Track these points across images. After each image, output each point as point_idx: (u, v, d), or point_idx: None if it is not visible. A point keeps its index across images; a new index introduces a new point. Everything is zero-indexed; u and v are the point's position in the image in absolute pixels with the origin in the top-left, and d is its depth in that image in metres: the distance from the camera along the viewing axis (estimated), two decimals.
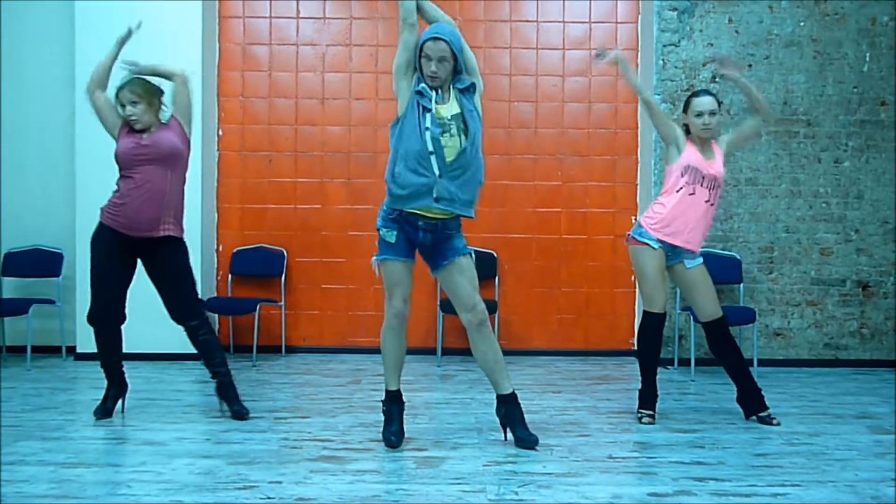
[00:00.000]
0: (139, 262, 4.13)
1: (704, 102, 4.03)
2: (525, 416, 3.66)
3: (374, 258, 3.63)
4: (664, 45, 5.80)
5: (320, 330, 6.22)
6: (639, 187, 6.16)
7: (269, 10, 6.19)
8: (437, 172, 3.43)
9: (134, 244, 4.02)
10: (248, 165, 6.18)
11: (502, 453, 3.54)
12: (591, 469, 3.35)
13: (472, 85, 3.55)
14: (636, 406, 4.23)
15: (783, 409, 4.41)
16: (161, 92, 4.08)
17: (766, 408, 4.14)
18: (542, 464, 3.41)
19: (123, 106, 3.98)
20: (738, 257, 5.78)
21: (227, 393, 4.15)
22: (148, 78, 4.07)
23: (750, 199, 5.86)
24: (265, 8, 6.18)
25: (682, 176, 4.03)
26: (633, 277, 6.02)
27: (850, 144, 5.85)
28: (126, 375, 4.22)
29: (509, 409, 3.65)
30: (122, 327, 4.15)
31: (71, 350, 5.81)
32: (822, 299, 5.88)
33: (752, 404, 4.16)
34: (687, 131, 4.12)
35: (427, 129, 3.43)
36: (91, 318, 4.07)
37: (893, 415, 4.38)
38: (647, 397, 4.18)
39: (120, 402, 4.20)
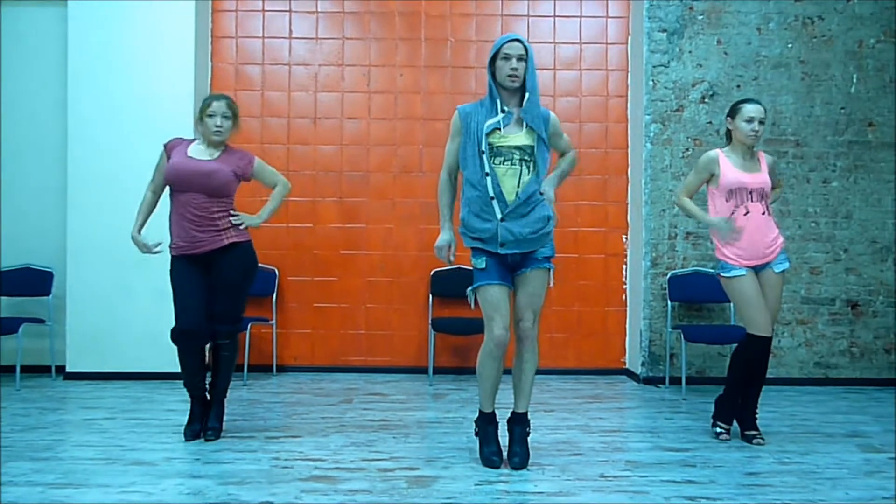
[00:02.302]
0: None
1: (755, 109, 4.08)
2: (527, 437, 3.70)
3: (468, 290, 3.62)
4: (654, 66, 5.86)
5: (312, 349, 6.21)
6: (630, 206, 6.20)
7: (262, 31, 6.22)
8: (498, 216, 3.47)
9: (203, 258, 4.02)
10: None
11: (494, 473, 3.53)
12: (583, 488, 3.35)
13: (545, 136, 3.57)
14: (712, 419, 4.27)
15: (774, 428, 4.43)
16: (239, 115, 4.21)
17: (757, 430, 4.16)
18: (533, 483, 3.40)
19: (213, 116, 4.03)
20: None
21: (211, 409, 4.15)
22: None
23: None
24: (258, 28, 6.22)
25: (728, 200, 4.07)
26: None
27: (838, 165, 5.90)
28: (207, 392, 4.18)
29: (512, 426, 3.71)
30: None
31: (61, 370, 5.77)
32: (812, 318, 5.91)
33: (746, 422, 4.18)
34: (728, 139, 4.19)
35: (487, 174, 3.47)
36: (174, 336, 4.01)
37: (883, 433, 4.39)
38: (730, 409, 4.20)
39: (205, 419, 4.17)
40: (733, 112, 4.16)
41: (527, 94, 3.51)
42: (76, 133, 5.71)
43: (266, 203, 4.26)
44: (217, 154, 4.10)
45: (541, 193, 3.53)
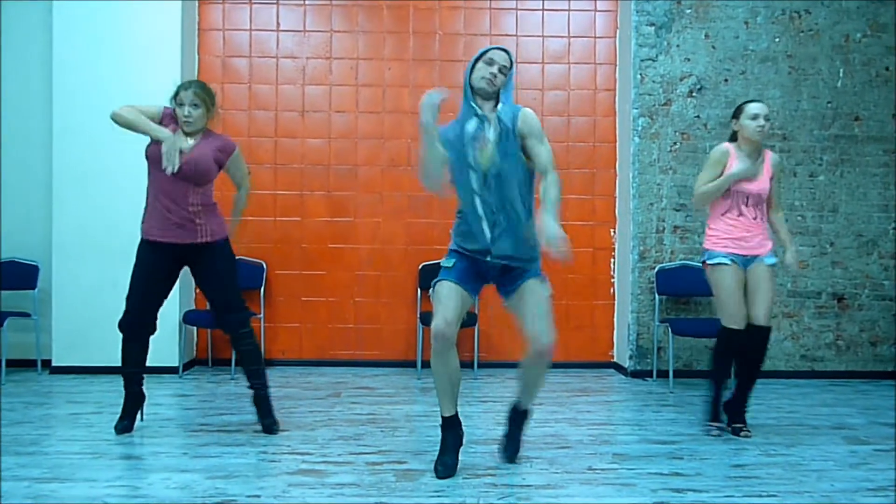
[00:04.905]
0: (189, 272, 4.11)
1: (759, 106, 4.11)
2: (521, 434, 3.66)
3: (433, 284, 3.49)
4: (642, 60, 5.86)
5: (300, 343, 6.19)
6: (617, 200, 6.21)
7: (250, 23, 6.18)
8: (488, 237, 3.28)
9: (176, 250, 3.96)
10: (227, 177, 6.13)
11: (482, 466, 3.54)
12: (571, 481, 3.35)
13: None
14: (708, 419, 4.22)
15: (760, 421, 4.45)
16: (215, 100, 4.05)
17: (745, 423, 4.18)
18: (521, 476, 3.41)
19: (181, 105, 3.90)
20: None
21: (260, 405, 4.12)
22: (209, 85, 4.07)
23: None
24: (245, 20, 6.18)
25: (725, 199, 4.09)
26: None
27: (824, 159, 5.93)
28: (144, 386, 4.11)
29: (511, 420, 3.62)
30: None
31: (46, 364, 5.74)
32: (798, 311, 5.94)
33: (734, 414, 4.20)
34: (733, 139, 4.20)
35: (478, 194, 3.27)
36: (120, 325, 3.97)
37: (868, 426, 4.43)
38: (718, 409, 4.21)
39: (140, 412, 4.14)
40: (738, 112, 4.19)
41: (500, 101, 3.31)
42: (62, 126, 5.66)
43: (234, 207, 4.35)
44: (196, 139, 3.96)
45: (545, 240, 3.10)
